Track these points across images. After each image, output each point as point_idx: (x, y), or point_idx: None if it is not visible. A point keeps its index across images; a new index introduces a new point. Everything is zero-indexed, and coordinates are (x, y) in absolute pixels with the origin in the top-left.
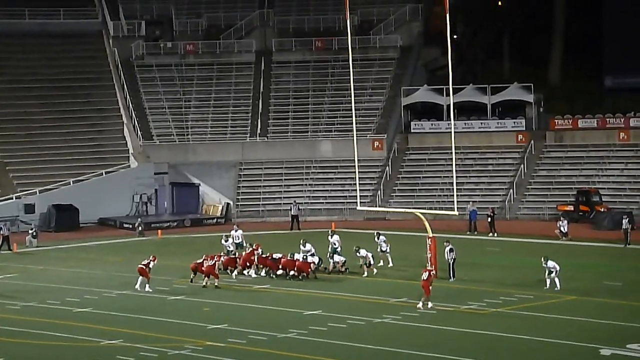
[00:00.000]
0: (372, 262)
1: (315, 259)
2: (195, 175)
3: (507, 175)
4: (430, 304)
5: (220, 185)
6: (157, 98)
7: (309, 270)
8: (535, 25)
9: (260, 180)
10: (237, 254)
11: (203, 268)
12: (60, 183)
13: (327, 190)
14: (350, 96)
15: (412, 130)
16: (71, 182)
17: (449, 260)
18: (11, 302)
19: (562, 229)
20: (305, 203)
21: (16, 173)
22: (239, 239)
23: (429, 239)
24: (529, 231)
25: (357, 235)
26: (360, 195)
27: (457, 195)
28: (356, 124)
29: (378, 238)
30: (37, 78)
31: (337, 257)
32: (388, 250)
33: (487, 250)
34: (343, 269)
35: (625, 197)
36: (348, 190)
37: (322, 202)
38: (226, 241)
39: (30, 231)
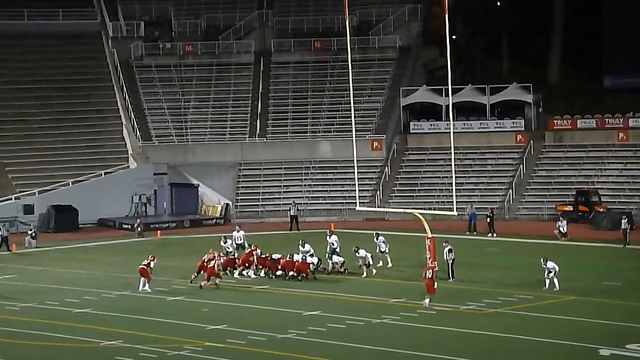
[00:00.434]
0: (371, 263)
1: (315, 260)
2: (195, 176)
3: (506, 176)
4: (427, 302)
5: (220, 185)
6: (156, 99)
7: (308, 270)
8: (534, 26)
9: (260, 180)
10: (236, 254)
11: (207, 266)
12: (60, 184)
13: (326, 191)
14: (350, 96)
15: (411, 131)
16: (70, 183)
17: (448, 261)
18: (10, 303)
19: (561, 229)
20: (304, 203)
21: (15, 174)
22: (241, 239)
23: (428, 240)
24: (528, 231)
25: (356, 235)
26: (359, 196)
27: (456, 195)
28: (355, 124)
29: (377, 239)
30: (36, 79)
31: (335, 258)
32: (387, 251)
33: (486, 251)
34: (342, 270)
35: (625, 198)
36: (347, 190)
37: (322, 203)
38: (225, 242)
39: (29, 232)
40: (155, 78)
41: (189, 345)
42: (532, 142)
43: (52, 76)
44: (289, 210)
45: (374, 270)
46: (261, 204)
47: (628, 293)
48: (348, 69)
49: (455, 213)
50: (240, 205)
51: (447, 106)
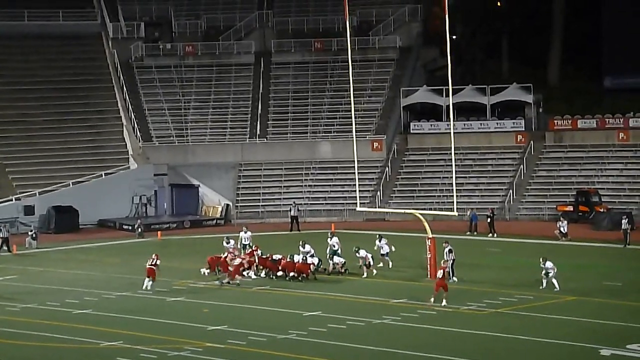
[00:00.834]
0: (371, 263)
1: (315, 260)
2: (195, 177)
3: (507, 176)
4: (432, 300)
5: (220, 186)
6: (157, 99)
7: (309, 271)
8: (534, 26)
9: (260, 181)
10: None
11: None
12: (60, 184)
13: (327, 191)
14: (350, 97)
15: (411, 131)
16: (71, 184)
17: (448, 261)
18: (11, 304)
19: (561, 229)
20: (304, 204)
21: (15, 175)
22: (247, 240)
23: (429, 240)
24: (528, 232)
25: (356, 236)
26: (359, 196)
27: (456, 195)
28: (355, 124)
29: (380, 241)
30: (36, 80)
31: (336, 259)
32: (389, 252)
33: (486, 251)
34: (343, 270)
35: (625, 198)
36: (347, 191)
37: (322, 203)
38: (228, 243)
39: (29, 233)
40: (155, 79)
41: (189, 345)
42: (532, 142)
43: (53, 77)
44: (290, 210)
45: (375, 271)
46: (261, 205)
47: (628, 293)
48: (348, 70)
49: (455, 213)
50: (240, 206)
51: (448, 106)
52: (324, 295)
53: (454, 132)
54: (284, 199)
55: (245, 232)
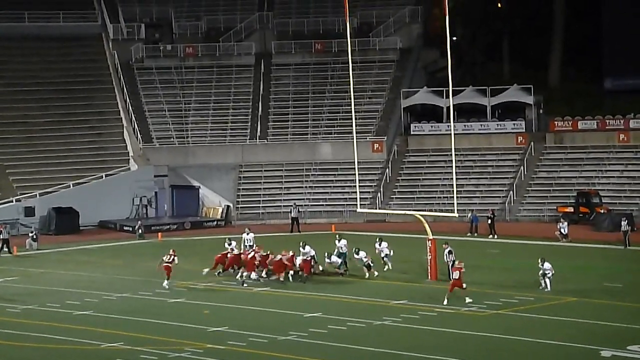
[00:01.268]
0: (371, 264)
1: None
2: (195, 178)
3: (507, 177)
4: (446, 301)
5: (220, 187)
6: (157, 101)
7: (310, 270)
8: (535, 27)
9: (260, 182)
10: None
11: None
12: (60, 186)
13: (327, 193)
14: (350, 98)
15: (411, 132)
16: (71, 185)
17: (448, 262)
18: (11, 305)
19: (562, 230)
20: (305, 205)
21: (16, 176)
22: (250, 242)
23: (429, 241)
24: (529, 233)
25: (357, 237)
26: (360, 198)
27: (457, 197)
28: (356, 126)
29: (380, 244)
30: (36, 81)
31: (334, 258)
32: (390, 255)
33: (487, 252)
34: (342, 271)
35: (625, 199)
36: (348, 192)
37: (322, 205)
38: (230, 244)
39: (30, 234)
40: (155, 80)
41: (190, 347)
42: (532, 143)
43: (53, 78)
44: (290, 212)
45: (376, 272)
46: (262, 206)
47: (629, 294)
48: (349, 71)
49: (456, 214)
50: (241, 207)
51: (448, 108)
52: (324, 296)
53: (454, 134)
54: (284, 200)
55: (248, 234)
